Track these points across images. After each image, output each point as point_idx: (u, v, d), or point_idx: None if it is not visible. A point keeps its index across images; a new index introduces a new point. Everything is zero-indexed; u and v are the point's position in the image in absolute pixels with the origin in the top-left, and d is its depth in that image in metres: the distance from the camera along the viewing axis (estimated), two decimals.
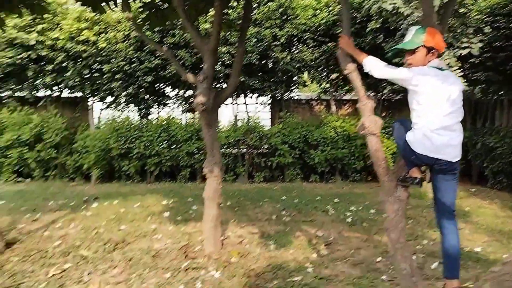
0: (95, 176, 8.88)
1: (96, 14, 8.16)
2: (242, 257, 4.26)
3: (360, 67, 2.88)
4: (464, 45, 7.85)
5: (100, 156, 8.63)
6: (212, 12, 4.46)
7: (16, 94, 9.52)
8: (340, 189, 8.41)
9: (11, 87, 9.26)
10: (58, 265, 4.04)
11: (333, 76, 10.12)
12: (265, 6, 9.06)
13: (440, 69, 2.60)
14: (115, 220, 5.68)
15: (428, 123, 2.51)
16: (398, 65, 3.24)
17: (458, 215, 2.80)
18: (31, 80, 9.25)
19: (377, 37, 8.94)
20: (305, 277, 3.73)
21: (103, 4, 4.73)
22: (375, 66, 2.70)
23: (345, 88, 10.53)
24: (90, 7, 5.11)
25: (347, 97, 11.12)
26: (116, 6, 5.02)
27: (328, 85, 10.59)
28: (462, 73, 7.95)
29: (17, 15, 5.01)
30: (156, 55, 8.77)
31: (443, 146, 2.51)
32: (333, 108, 10.62)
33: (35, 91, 9.55)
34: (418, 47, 2.63)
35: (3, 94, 9.55)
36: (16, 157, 8.66)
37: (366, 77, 3.45)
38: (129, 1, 4.62)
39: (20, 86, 9.31)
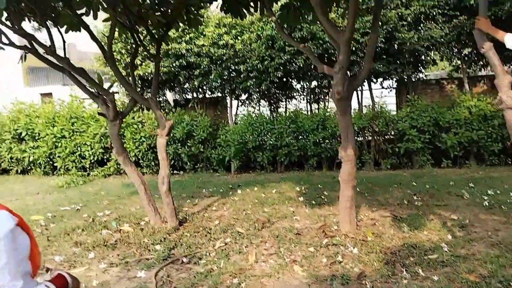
0: (235, 167, 10.04)
1: (233, 19, 9.12)
2: (377, 237, 4.64)
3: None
4: None
5: (239, 149, 9.71)
6: None
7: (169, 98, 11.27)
8: (476, 173, 8.00)
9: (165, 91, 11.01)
10: (221, 239, 4.97)
11: (466, 51, 9.50)
12: None
13: None
14: (258, 203, 6.56)
15: None
16: None
17: None
18: (182, 84, 10.85)
19: None
20: (440, 256, 3.96)
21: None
22: None
23: (480, 63, 9.77)
24: (233, 14, 6.02)
25: (482, 73, 10.27)
26: (256, 12, 5.79)
27: (459, 62, 9.96)
28: None
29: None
30: (286, 51, 9.41)
31: None
32: (467, 86, 9.96)
33: (185, 94, 11.20)
34: None
35: (160, 99, 11.40)
36: (172, 153, 10.26)
37: (502, 53, 3.49)
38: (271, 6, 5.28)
39: (173, 90, 11.02)
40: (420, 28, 9.28)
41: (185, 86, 10.96)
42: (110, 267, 4.45)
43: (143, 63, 10.29)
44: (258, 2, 5.84)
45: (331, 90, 4.66)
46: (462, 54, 9.63)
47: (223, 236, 5.09)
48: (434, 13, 9.08)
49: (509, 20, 8.29)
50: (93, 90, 5.54)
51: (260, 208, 6.25)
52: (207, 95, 11.45)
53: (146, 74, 10.28)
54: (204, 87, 10.85)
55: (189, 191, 8.06)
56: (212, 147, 10.33)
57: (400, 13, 8.98)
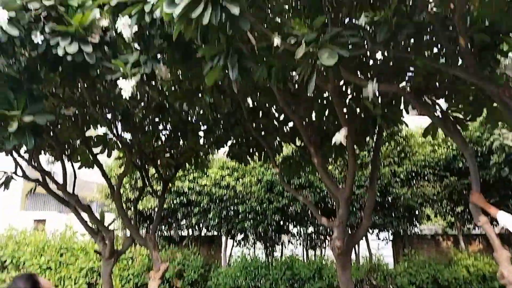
0: None
1: (236, 163, 9.65)
2: None
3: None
4: None
5: None
6: None
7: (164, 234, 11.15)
8: None
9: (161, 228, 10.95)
10: None
11: (459, 209, 9.81)
12: (383, 147, 9.68)
13: None
14: None
15: None
16: None
17: None
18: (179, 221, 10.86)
19: (502, 169, 8.74)
20: None
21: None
22: (509, 221, 2.98)
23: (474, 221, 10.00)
24: (237, 160, 6.43)
25: (477, 231, 10.42)
26: (260, 160, 6.20)
27: (453, 219, 10.20)
28: None
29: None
30: (284, 195, 9.72)
31: None
32: (462, 244, 10.01)
33: (181, 231, 11.13)
34: None
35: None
36: None
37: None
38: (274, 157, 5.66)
39: (167, 227, 10.97)
40: (412, 184, 9.78)
41: (182, 223, 10.96)
42: None
43: (144, 198, 10.49)
44: (262, 152, 6.33)
45: (330, 240, 4.73)
46: (456, 212, 9.93)
47: None
48: (426, 172, 9.68)
49: (497, 184, 8.79)
50: (93, 227, 5.58)
51: None
52: (202, 233, 11.36)
53: (146, 209, 10.40)
54: (201, 225, 10.84)
55: None
56: None
57: (393, 170, 9.57)
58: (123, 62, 3.69)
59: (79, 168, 5.71)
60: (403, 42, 3.79)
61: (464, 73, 3.38)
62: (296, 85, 4.53)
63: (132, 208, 6.04)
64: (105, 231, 5.39)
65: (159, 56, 3.94)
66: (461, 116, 4.25)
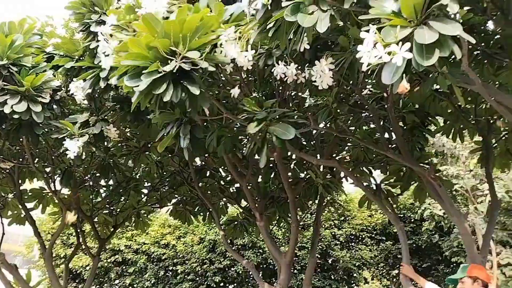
0: None
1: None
2: None
3: None
4: None
5: None
6: None
7: None
8: None
9: None
10: None
11: (394, 273, 10.18)
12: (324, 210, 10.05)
13: None
14: None
15: None
16: None
17: None
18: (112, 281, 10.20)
19: (433, 236, 9.33)
20: None
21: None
22: None
23: None
24: (181, 220, 6.34)
25: None
26: (204, 221, 6.15)
27: (389, 282, 10.54)
28: None
29: None
30: (227, 256, 9.57)
31: None
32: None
33: None
34: (463, 277, 3.21)
35: None
36: None
37: None
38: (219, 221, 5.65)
39: (100, 286, 10.23)
40: (351, 247, 10.11)
41: (115, 283, 10.30)
42: None
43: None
44: (207, 213, 6.32)
45: None
46: (391, 275, 10.29)
47: None
48: (363, 236, 10.11)
49: (428, 249, 9.36)
50: None
51: None
52: None
53: (77, 267, 9.70)
54: (135, 286, 10.24)
55: None
56: None
57: (333, 233, 9.88)
58: (72, 122, 3.69)
59: (9, 224, 5.34)
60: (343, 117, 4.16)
61: (395, 156, 3.75)
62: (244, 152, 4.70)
63: (64, 268, 5.64)
64: None
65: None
66: (392, 190, 4.61)
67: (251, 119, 2.87)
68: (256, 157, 3.52)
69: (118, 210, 6.29)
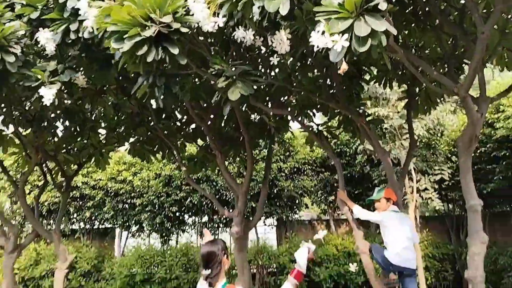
0: None
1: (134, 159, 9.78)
2: None
3: None
4: (436, 172, 9.49)
5: (125, 281, 9.49)
6: None
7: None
8: None
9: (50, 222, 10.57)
10: None
11: (331, 198, 11.56)
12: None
13: (396, 211, 4.15)
14: None
15: (397, 244, 3.93)
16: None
17: None
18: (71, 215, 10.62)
19: (365, 167, 10.58)
20: None
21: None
22: (360, 212, 4.24)
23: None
24: (140, 158, 6.78)
25: (344, 217, 12.35)
26: (163, 159, 6.60)
27: (326, 207, 11.97)
28: (438, 194, 9.45)
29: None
30: (182, 189, 10.25)
31: (409, 259, 3.91)
32: (333, 227, 11.82)
33: (71, 225, 10.87)
34: (380, 198, 4.14)
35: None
36: (48, 286, 9.48)
37: None
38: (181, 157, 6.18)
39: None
40: (295, 178, 11.21)
41: (74, 216, 10.76)
42: None
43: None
44: (167, 151, 6.81)
45: (223, 227, 5.57)
46: (328, 201, 11.67)
47: None
48: (305, 168, 11.21)
49: (360, 178, 10.67)
50: None
51: None
52: (95, 226, 11.27)
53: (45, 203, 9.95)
54: (94, 218, 10.78)
55: None
56: (95, 280, 9.86)
57: (279, 166, 10.84)
58: (41, 70, 3.92)
59: None
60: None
61: (333, 104, 4.46)
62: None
63: (34, 202, 6.01)
64: (7, 225, 5.37)
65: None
66: (331, 130, 5.40)
67: (220, 75, 3.35)
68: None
69: (77, 149, 6.59)
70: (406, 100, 5.54)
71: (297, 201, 11.46)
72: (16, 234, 5.39)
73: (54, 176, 6.32)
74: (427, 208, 13.52)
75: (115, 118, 6.44)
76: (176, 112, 6.36)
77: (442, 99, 5.50)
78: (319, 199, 11.68)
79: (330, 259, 10.12)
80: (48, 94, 3.81)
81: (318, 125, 5.33)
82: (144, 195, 10.24)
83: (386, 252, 3.99)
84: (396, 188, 4.55)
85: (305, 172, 11.28)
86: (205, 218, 11.38)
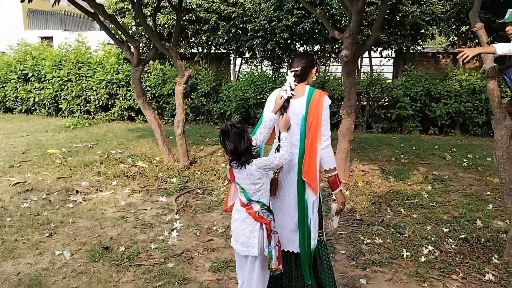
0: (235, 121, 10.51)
1: None
2: (366, 184, 5.33)
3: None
4: None
5: (240, 104, 10.19)
6: None
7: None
8: (459, 141, 8.66)
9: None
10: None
11: (463, 29, 9.98)
12: None
13: None
14: None
15: None
16: None
17: None
18: (189, 38, 11.15)
19: None
20: (420, 200, 4.67)
21: None
22: (503, 47, 3.45)
23: (475, 41, 10.28)
24: None
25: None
26: None
27: (456, 38, 10.45)
28: None
29: None
30: (294, 13, 9.74)
31: None
32: (461, 61, 10.50)
33: (191, 48, 11.51)
34: None
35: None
36: (174, 104, 10.67)
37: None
38: None
39: (180, 44, 11.28)
40: (423, 2, 9.67)
41: (192, 40, 11.27)
42: (133, 193, 5.08)
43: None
44: None
45: (335, 57, 5.20)
46: (460, 31, 10.11)
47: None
48: None
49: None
50: (117, 37, 5.94)
51: None
52: (212, 51, 11.77)
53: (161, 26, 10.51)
54: (210, 43, 11.15)
55: (193, 139, 8.60)
56: (214, 101, 10.79)
57: None
58: None
59: None
60: None
61: None
62: None
63: (152, 21, 6.28)
64: (131, 40, 5.79)
65: None
66: None
67: None
68: None
69: None
70: None
71: (422, 30, 10.17)
72: (138, 48, 5.79)
73: None
74: None
75: None
76: None
77: None
78: (449, 28, 10.16)
79: (450, 95, 9.30)
80: None
81: None
82: (256, 19, 10.02)
83: None
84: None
85: None
86: (317, 47, 10.98)
